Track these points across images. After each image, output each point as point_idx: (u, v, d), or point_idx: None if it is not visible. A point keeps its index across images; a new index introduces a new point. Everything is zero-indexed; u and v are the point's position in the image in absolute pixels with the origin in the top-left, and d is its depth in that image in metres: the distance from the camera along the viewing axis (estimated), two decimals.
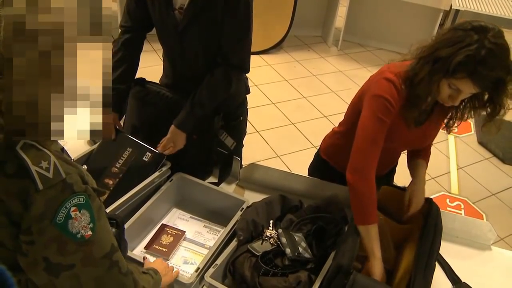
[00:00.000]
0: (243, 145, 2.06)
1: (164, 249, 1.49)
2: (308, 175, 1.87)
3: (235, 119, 1.94)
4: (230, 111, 1.87)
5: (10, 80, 0.72)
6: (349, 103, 1.61)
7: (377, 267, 1.34)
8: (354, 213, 1.40)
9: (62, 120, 0.78)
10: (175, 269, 1.34)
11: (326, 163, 1.78)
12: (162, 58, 1.89)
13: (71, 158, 0.88)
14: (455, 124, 1.49)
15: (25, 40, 0.71)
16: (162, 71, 1.93)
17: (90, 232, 0.84)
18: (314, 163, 1.91)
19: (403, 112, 1.39)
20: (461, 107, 1.42)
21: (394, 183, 1.80)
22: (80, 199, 0.82)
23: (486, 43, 1.18)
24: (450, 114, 1.48)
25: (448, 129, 1.51)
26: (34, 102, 0.75)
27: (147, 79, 1.85)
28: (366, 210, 1.38)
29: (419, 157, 1.62)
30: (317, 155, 1.86)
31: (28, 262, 0.82)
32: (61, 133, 0.80)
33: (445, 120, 1.51)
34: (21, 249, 0.81)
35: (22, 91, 0.73)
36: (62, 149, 0.90)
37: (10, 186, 0.78)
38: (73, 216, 0.81)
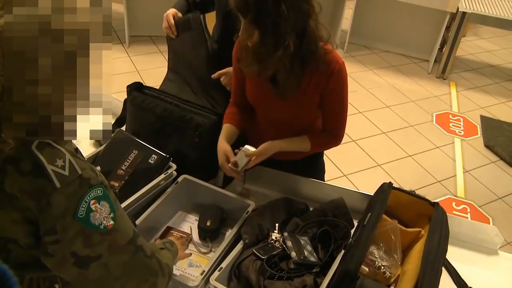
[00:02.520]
0: None
1: None
2: None
3: None
4: None
5: (35, 79, 0.73)
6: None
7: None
8: None
9: (75, 120, 0.80)
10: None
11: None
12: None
13: (84, 159, 0.89)
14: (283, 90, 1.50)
15: (50, 41, 0.72)
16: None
17: (112, 222, 0.86)
18: None
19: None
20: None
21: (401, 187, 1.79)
22: (98, 191, 0.84)
23: None
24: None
25: (281, 96, 1.52)
26: (60, 101, 0.76)
27: (145, 84, 1.85)
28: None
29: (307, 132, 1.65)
30: None
31: (56, 261, 0.84)
32: (74, 133, 0.82)
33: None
34: (46, 251, 0.82)
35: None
36: (76, 149, 0.91)
37: (25, 184, 0.79)
38: (93, 209, 0.83)
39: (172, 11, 1.95)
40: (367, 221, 1.38)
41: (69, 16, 0.73)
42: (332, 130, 1.65)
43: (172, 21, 1.92)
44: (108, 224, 0.85)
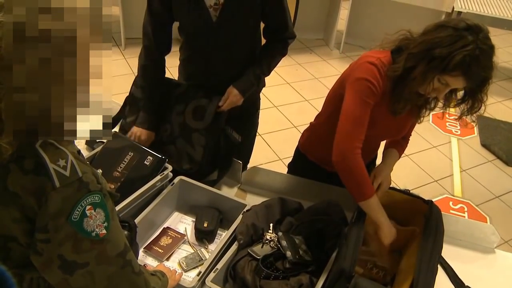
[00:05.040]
0: (252, 148, 2.08)
1: (160, 250, 1.49)
2: (287, 172, 1.92)
3: (255, 111, 2.01)
4: (253, 101, 1.94)
5: (22, 83, 0.73)
6: None
7: (387, 234, 1.42)
8: (351, 193, 1.44)
9: (75, 120, 0.80)
10: (177, 272, 1.34)
11: (303, 157, 1.83)
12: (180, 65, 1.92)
13: (86, 162, 0.89)
14: (426, 114, 1.57)
15: (28, 45, 0.71)
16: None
17: (104, 231, 0.85)
18: (293, 158, 1.95)
19: (388, 102, 1.46)
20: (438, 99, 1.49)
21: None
22: (96, 198, 0.83)
23: (479, 44, 1.26)
24: (424, 104, 1.53)
25: (419, 119, 1.59)
26: (47, 103, 0.76)
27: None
28: (361, 185, 1.42)
29: (393, 147, 1.70)
30: (296, 150, 1.90)
31: (43, 261, 0.83)
32: (73, 133, 0.81)
33: (420, 111, 1.55)
34: (36, 248, 0.82)
35: (35, 93, 0.74)
36: (79, 151, 0.91)
37: (27, 182, 0.78)
38: (88, 214, 0.82)
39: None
40: (355, 219, 1.40)
41: (57, 23, 0.72)
42: (408, 136, 1.74)
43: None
44: (100, 232, 0.84)
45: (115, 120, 1.91)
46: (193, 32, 1.74)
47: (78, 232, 0.81)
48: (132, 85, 1.88)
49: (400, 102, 1.43)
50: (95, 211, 0.83)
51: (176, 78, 1.97)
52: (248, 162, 2.13)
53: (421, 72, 1.32)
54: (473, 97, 1.37)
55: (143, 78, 1.82)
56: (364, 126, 1.42)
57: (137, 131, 1.78)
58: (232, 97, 1.76)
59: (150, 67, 1.80)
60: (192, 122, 1.74)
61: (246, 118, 1.95)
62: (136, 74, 1.86)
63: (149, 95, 1.80)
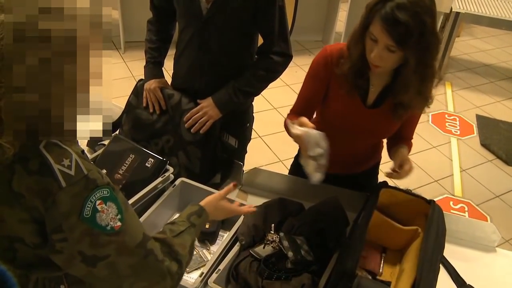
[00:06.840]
0: (246, 151, 2.07)
1: None
2: (291, 164, 1.94)
3: (241, 126, 1.95)
4: (236, 117, 1.88)
5: (22, 83, 0.73)
6: None
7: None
8: None
9: (75, 120, 0.81)
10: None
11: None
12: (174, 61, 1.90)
13: (90, 161, 0.90)
14: (404, 113, 1.49)
15: (28, 45, 0.72)
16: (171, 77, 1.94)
17: (119, 223, 0.86)
18: (293, 163, 1.95)
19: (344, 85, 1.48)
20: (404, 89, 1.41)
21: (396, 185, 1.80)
22: (105, 192, 0.84)
23: None
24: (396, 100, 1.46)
25: (397, 118, 1.51)
26: (47, 103, 0.76)
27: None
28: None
29: (400, 143, 1.62)
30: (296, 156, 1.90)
31: (64, 258, 0.84)
32: (73, 133, 0.82)
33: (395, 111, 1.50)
34: (55, 248, 0.82)
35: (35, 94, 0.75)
36: (83, 151, 0.92)
37: (32, 183, 0.79)
38: (99, 209, 0.83)
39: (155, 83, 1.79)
40: (359, 219, 1.40)
41: (54, 23, 0.73)
42: (410, 137, 1.68)
43: (161, 95, 1.78)
44: (115, 225, 0.85)
45: (116, 124, 1.91)
46: (184, 24, 1.71)
47: (93, 228, 0.82)
48: (131, 93, 1.86)
49: (349, 76, 1.44)
50: (106, 205, 0.84)
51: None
52: None
53: (354, 34, 1.37)
54: (415, 59, 1.29)
55: (153, 28, 1.85)
56: (306, 103, 1.64)
57: (150, 85, 1.78)
58: (205, 105, 1.69)
59: (157, 20, 1.84)
60: (187, 135, 1.72)
61: (236, 134, 1.88)
62: (136, 77, 1.86)
63: (159, 43, 1.84)
